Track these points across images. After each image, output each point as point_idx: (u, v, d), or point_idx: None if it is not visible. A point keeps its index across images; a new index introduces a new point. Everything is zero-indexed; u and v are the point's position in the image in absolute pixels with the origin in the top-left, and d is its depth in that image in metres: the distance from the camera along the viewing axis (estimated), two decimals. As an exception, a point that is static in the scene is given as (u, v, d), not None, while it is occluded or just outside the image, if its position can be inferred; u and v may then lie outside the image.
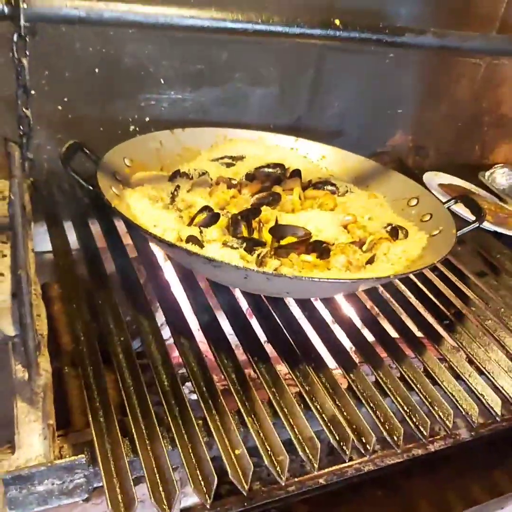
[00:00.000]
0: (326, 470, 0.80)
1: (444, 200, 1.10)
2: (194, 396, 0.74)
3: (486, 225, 1.32)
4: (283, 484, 0.63)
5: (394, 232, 1.02)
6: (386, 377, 0.80)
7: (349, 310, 0.96)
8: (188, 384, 0.76)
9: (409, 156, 1.66)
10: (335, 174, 1.23)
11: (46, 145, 1.18)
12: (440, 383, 0.81)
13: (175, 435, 0.65)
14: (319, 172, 1.23)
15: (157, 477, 0.61)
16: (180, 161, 1.16)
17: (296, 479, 0.81)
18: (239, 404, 0.70)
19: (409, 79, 1.52)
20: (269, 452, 0.65)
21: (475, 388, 0.81)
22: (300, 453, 0.66)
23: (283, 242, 0.93)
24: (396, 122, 1.58)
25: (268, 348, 0.82)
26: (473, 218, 1.02)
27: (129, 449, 0.64)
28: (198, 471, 0.62)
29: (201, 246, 0.87)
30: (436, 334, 0.92)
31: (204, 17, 0.74)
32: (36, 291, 0.89)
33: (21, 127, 0.76)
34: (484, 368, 0.85)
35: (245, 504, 0.83)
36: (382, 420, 0.72)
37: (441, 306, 0.99)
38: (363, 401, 0.75)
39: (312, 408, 0.72)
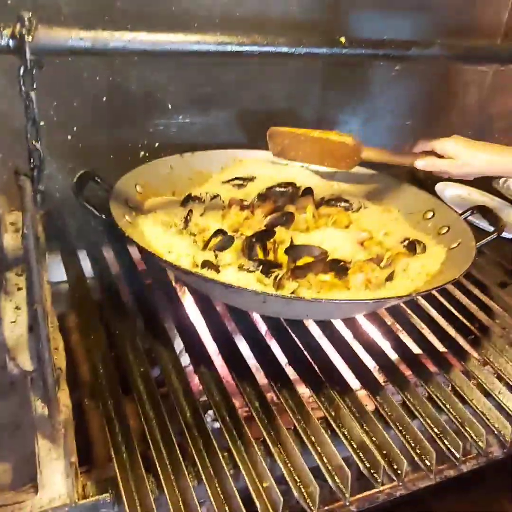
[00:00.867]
0: (357, 496, 0.77)
1: (459, 211, 1.08)
2: (216, 424, 0.72)
3: (504, 233, 1.30)
4: (314, 516, 0.60)
5: (412, 247, 1.00)
6: (413, 398, 0.77)
7: (369, 328, 0.95)
8: (210, 412, 0.75)
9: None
10: (347, 190, 1.21)
11: (58, 175, 1.19)
12: (469, 401, 0.78)
13: (200, 468, 0.63)
14: (331, 189, 1.21)
15: (184, 514, 0.59)
16: (191, 184, 1.16)
17: (326, 508, 0.78)
18: (264, 433, 0.69)
19: (416, 90, 1.51)
20: (298, 484, 0.63)
21: (505, 405, 0.78)
22: (330, 483, 0.63)
23: (299, 263, 0.91)
24: (405, 134, 1.57)
25: (289, 371, 0.81)
26: (489, 227, 1.00)
27: (154, 486, 0.62)
28: (226, 506, 0.60)
29: (217, 271, 0.86)
30: (461, 350, 0.89)
31: (210, 41, 0.74)
32: (52, 324, 0.88)
33: (32, 160, 0.76)
34: (514, 383, 0.83)
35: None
36: (412, 444, 0.70)
37: (464, 320, 0.97)
38: (391, 424, 0.72)
39: (340, 434, 0.70)
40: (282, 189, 1.18)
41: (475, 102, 1.61)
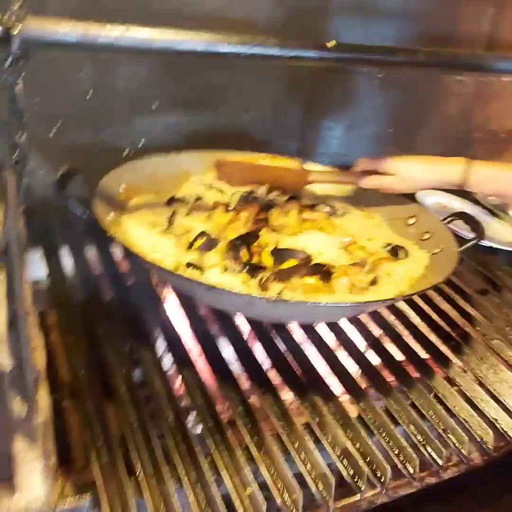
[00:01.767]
0: (339, 504, 0.77)
1: (440, 217, 1.09)
2: (199, 429, 0.71)
3: (483, 241, 1.32)
4: (297, 523, 0.60)
5: (395, 252, 1.01)
6: (396, 404, 0.77)
7: (352, 333, 0.94)
8: (193, 415, 0.73)
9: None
10: (331, 195, 1.22)
11: (39, 170, 1.16)
12: (451, 408, 0.79)
13: (182, 473, 0.62)
14: (314, 194, 1.22)
15: (166, 520, 0.58)
16: (175, 185, 1.15)
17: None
18: (247, 438, 0.68)
19: (399, 98, 1.52)
20: (281, 491, 0.62)
21: (488, 413, 0.79)
22: (314, 491, 0.63)
23: (283, 266, 0.91)
24: (387, 142, 1.58)
25: (273, 375, 0.80)
26: (468, 234, 1.01)
27: (135, 490, 0.61)
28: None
29: (202, 272, 0.85)
30: (443, 356, 0.90)
31: (200, 40, 0.73)
32: (32, 322, 0.86)
33: (16, 154, 0.74)
34: (495, 390, 0.84)
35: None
36: (395, 451, 0.70)
37: (445, 327, 0.97)
38: (375, 431, 0.72)
39: (323, 440, 0.69)
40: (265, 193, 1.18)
41: (455, 112, 1.64)
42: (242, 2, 1.15)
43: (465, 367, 0.89)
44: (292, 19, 1.21)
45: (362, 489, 0.64)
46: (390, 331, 0.95)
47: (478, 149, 1.75)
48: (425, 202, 1.45)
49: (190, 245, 0.93)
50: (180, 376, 0.77)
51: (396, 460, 0.69)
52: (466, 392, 0.82)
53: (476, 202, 1.60)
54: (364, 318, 0.98)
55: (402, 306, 1.02)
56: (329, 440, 0.70)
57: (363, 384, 0.81)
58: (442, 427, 0.75)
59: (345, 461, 0.67)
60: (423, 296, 1.04)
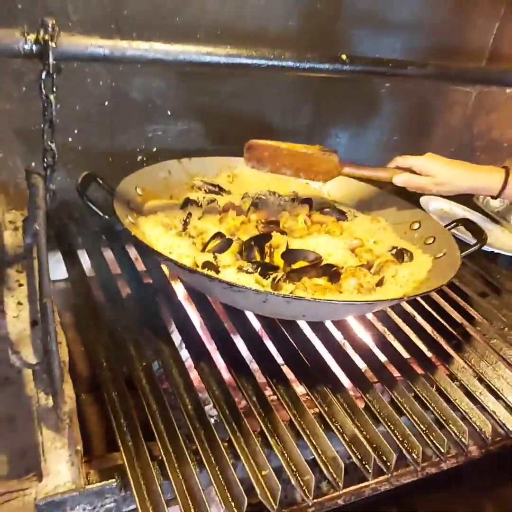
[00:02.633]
0: (344, 490, 0.81)
1: (443, 223, 1.13)
2: (217, 418, 0.75)
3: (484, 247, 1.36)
4: (310, 503, 0.64)
5: (400, 255, 1.05)
6: (400, 396, 0.82)
7: (359, 331, 0.99)
8: (211, 405, 0.78)
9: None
10: (338, 200, 1.27)
11: (56, 175, 1.21)
12: (453, 401, 0.83)
13: (203, 457, 0.67)
14: (322, 198, 1.26)
15: (189, 500, 0.62)
16: (188, 189, 1.19)
17: (314, 500, 0.82)
18: (262, 425, 0.72)
19: (404, 107, 1.57)
20: (295, 472, 0.67)
21: (486, 405, 0.83)
22: (325, 472, 0.67)
23: (295, 266, 0.95)
24: (392, 149, 1.63)
25: (285, 369, 0.84)
26: (471, 240, 1.06)
27: (158, 473, 0.65)
28: (227, 492, 0.63)
29: (217, 272, 0.90)
30: (445, 353, 0.94)
31: (221, 54, 0.78)
32: (55, 319, 0.91)
33: (46, 159, 0.79)
34: (494, 385, 0.88)
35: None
36: (400, 439, 0.74)
37: (448, 326, 1.02)
38: (381, 420, 0.77)
39: (333, 428, 0.74)
40: (275, 197, 1.23)
41: (459, 121, 1.69)
42: (255, 15, 1.20)
43: (465, 363, 0.93)
44: (303, 31, 1.26)
45: (370, 472, 0.68)
46: (395, 329, 0.99)
47: (480, 156, 1.80)
48: (428, 208, 1.50)
49: (205, 246, 0.98)
50: (198, 369, 0.81)
51: (401, 447, 0.73)
52: (466, 386, 0.87)
53: (477, 209, 1.65)
54: (370, 316, 1.02)
55: (406, 306, 1.07)
56: (338, 428, 0.74)
57: (370, 378, 0.86)
58: (443, 418, 0.79)
59: (354, 447, 0.71)
60: (426, 297, 1.09)
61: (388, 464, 0.70)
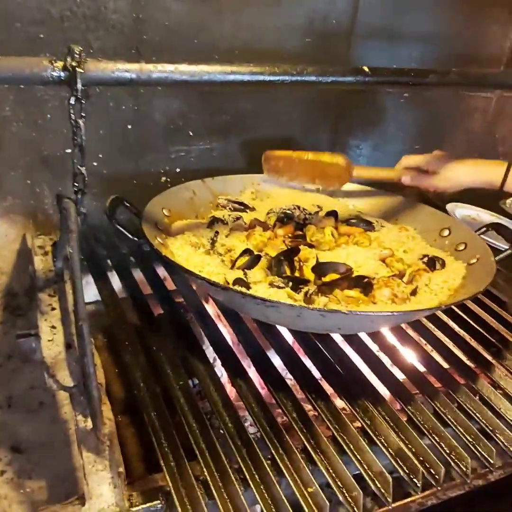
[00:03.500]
0: (389, 506, 0.79)
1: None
2: (258, 435, 0.74)
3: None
4: (360, 520, 0.62)
5: (432, 263, 1.04)
6: (444, 407, 0.80)
7: (394, 342, 0.97)
8: (251, 423, 0.77)
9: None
10: (363, 211, 1.26)
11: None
12: (498, 410, 0.81)
13: (246, 475, 0.66)
14: (347, 210, 1.26)
15: (236, 519, 0.61)
16: (213, 208, 1.20)
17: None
18: (304, 441, 0.71)
19: (424, 115, 1.57)
20: (342, 488, 0.65)
21: (534, 414, 0.81)
22: (373, 488, 0.66)
23: (326, 279, 0.94)
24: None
25: (324, 384, 0.83)
26: (501, 245, 1.04)
27: (203, 493, 0.64)
28: (274, 510, 0.62)
29: (248, 288, 0.90)
30: (486, 362, 0.92)
31: (244, 72, 0.78)
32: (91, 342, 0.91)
33: (76, 184, 0.80)
34: (539, 392, 0.86)
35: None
36: (447, 451, 0.72)
37: (486, 334, 1.00)
38: (426, 432, 0.75)
39: (377, 442, 0.72)
40: (298, 212, 1.22)
41: (479, 127, 1.67)
42: (271, 33, 1.22)
43: (507, 371, 0.91)
44: (319, 46, 1.27)
45: (418, 486, 0.66)
46: (431, 339, 0.98)
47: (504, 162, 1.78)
48: (455, 214, 1.48)
49: (234, 263, 0.98)
50: (235, 386, 0.81)
51: (449, 459, 0.71)
52: (510, 394, 0.84)
53: (504, 213, 1.62)
54: (404, 327, 1.01)
55: (440, 314, 1.05)
56: (382, 442, 0.72)
57: (410, 389, 0.84)
58: (490, 428, 0.77)
59: (400, 461, 0.70)
60: (462, 305, 1.07)
61: (437, 477, 0.68)
